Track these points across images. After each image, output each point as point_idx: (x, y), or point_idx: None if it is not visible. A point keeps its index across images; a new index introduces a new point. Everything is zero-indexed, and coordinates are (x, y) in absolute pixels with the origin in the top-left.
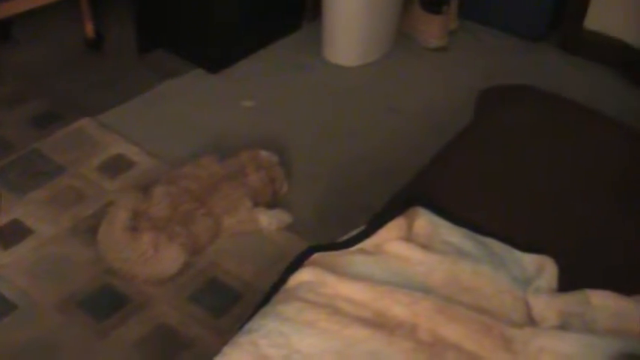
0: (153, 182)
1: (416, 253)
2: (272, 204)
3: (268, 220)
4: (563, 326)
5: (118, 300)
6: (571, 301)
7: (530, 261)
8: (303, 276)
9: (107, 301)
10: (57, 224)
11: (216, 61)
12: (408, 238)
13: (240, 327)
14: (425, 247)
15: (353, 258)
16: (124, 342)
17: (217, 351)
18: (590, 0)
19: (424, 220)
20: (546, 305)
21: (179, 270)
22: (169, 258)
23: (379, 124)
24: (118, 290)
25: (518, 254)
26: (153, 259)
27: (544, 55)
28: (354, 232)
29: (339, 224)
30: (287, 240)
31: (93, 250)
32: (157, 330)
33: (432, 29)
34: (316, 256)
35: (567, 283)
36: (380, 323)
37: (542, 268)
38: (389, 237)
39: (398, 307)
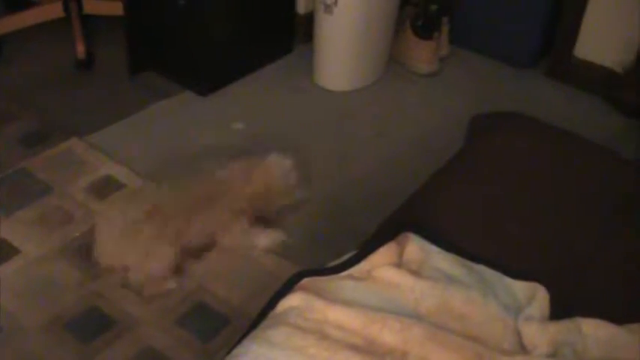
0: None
1: (406, 280)
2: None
3: (263, 240)
4: (555, 355)
5: (105, 322)
6: (562, 329)
7: (521, 288)
8: (292, 301)
9: (94, 323)
10: (44, 245)
11: (206, 84)
12: (399, 264)
13: (229, 352)
14: (416, 273)
15: (343, 283)
16: None
17: None
18: (580, 28)
19: (415, 246)
20: (537, 333)
21: (170, 270)
22: (160, 258)
23: (370, 149)
24: (104, 312)
25: (509, 281)
26: (145, 259)
27: (533, 82)
28: (344, 257)
29: (329, 249)
30: (276, 264)
31: (80, 271)
32: (144, 353)
33: (422, 55)
34: (306, 281)
35: (559, 311)
36: (370, 350)
37: (534, 295)
38: (379, 262)
39: (388, 333)
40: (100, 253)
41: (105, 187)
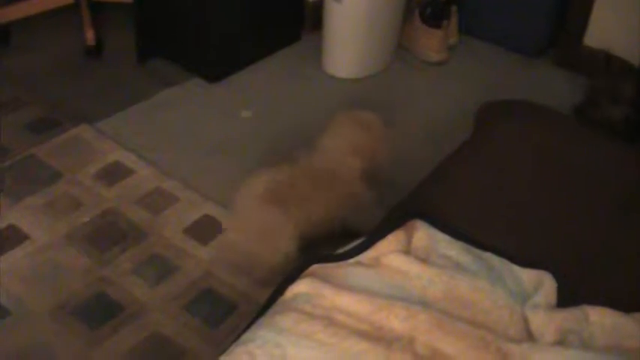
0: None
1: (414, 267)
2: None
3: None
4: (561, 342)
5: (112, 308)
6: (569, 317)
7: (528, 276)
8: (301, 287)
9: (101, 309)
10: (52, 231)
11: (215, 71)
12: (407, 251)
13: (237, 337)
14: (423, 260)
15: (351, 270)
16: (117, 350)
17: None
18: (590, 17)
19: (423, 234)
20: (544, 321)
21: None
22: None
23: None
24: (112, 298)
25: (516, 269)
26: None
27: (542, 71)
28: (352, 245)
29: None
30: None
31: (88, 257)
32: (151, 339)
33: (431, 43)
34: (314, 267)
35: (566, 299)
36: (377, 336)
37: (541, 283)
38: (387, 250)
39: (395, 320)
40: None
41: (113, 174)
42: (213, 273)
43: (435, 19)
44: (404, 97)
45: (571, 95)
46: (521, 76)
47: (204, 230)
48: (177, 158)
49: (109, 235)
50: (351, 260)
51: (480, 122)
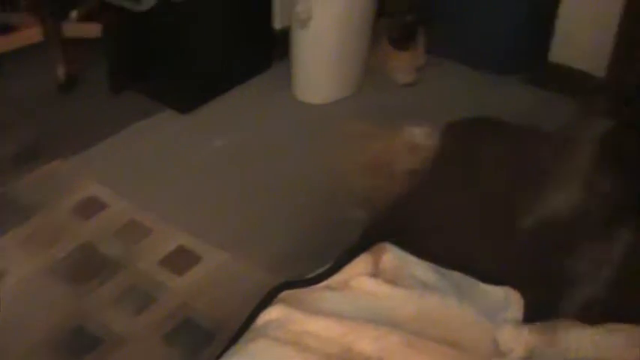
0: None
1: (383, 288)
2: None
3: None
4: (531, 357)
5: (91, 341)
6: (537, 332)
7: (495, 293)
8: (272, 314)
9: (80, 343)
10: (30, 266)
11: (186, 102)
12: (375, 273)
13: None
14: (392, 282)
15: (321, 294)
16: None
17: None
18: (552, 34)
19: (391, 256)
20: (513, 337)
21: None
22: None
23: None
24: (90, 331)
25: (483, 287)
26: None
27: (511, 88)
28: (321, 269)
29: (312, 261)
30: (260, 277)
31: (65, 291)
32: None
33: (400, 65)
34: (285, 293)
35: (533, 314)
36: (347, 358)
37: (508, 299)
38: (355, 273)
39: (365, 341)
40: None
41: (89, 207)
42: (190, 303)
43: (402, 41)
44: (374, 119)
45: (538, 111)
46: (490, 94)
47: (180, 261)
48: (151, 190)
49: (85, 269)
50: (321, 284)
51: (444, 141)
